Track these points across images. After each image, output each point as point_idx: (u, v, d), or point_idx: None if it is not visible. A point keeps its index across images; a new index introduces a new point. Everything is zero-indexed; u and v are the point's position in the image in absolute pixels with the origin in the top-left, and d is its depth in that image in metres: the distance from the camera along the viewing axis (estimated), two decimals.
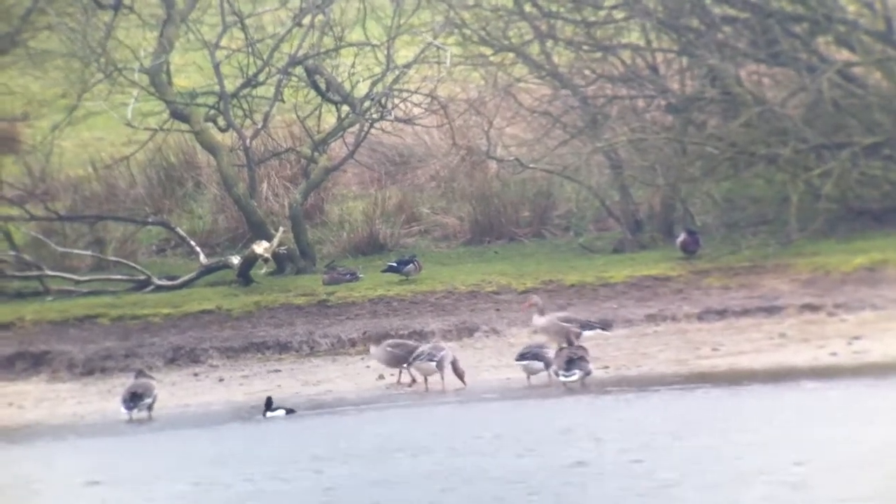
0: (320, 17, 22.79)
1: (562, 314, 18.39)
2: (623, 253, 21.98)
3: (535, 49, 22.45)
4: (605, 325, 18.41)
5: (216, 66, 22.54)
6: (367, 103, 22.86)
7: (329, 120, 23.85)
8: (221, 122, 23.17)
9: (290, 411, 16.69)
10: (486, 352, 18.94)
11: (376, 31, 23.38)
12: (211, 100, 23.31)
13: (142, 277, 21.75)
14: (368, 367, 18.55)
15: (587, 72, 22.51)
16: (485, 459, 13.30)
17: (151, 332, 19.83)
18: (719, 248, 21.08)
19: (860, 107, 21.41)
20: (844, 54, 22.04)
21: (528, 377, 17.78)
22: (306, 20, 22.79)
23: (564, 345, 17.57)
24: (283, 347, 19.38)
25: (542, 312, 18.27)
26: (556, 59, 22.52)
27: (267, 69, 23.03)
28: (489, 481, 12.29)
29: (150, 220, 23.19)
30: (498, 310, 19.57)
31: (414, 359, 17.75)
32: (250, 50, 23.09)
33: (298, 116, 23.77)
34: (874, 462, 12.17)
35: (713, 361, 18.03)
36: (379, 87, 22.89)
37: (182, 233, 22.91)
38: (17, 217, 22.71)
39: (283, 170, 24.23)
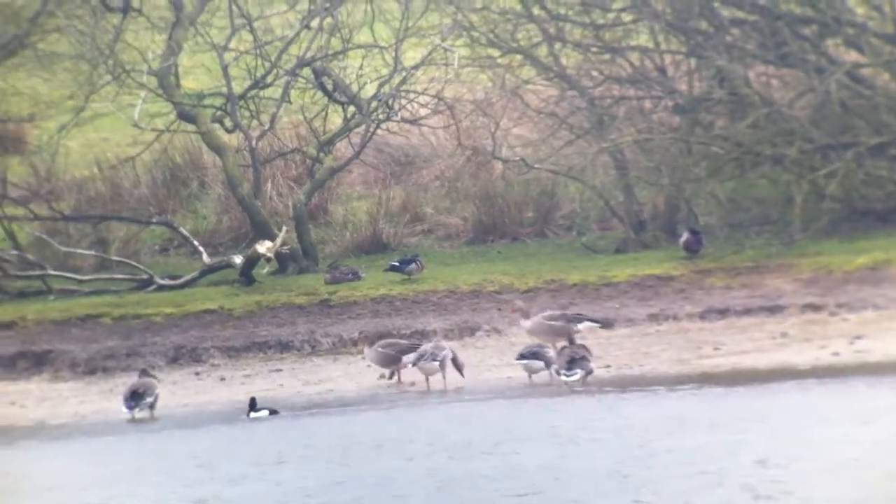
0: (328, 19, 22.82)
1: (547, 313, 18.31)
2: (626, 253, 21.90)
3: (543, 51, 22.41)
4: (596, 319, 18.23)
5: (224, 68, 22.58)
6: (373, 104, 22.86)
7: (335, 121, 23.86)
8: (228, 123, 23.20)
9: (273, 412, 16.65)
10: (487, 351, 18.88)
11: (384, 34, 23.38)
12: (218, 101, 23.35)
13: (144, 277, 21.77)
14: (370, 366, 18.51)
15: (595, 73, 22.47)
16: (466, 460, 13.19)
17: (153, 331, 19.84)
18: (722, 247, 20.98)
19: (868, 108, 21.30)
20: (853, 56, 21.94)
21: (530, 376, 17.70)
22: (314, 22, 22.83)
23: (562, 343, 17.50)
24: (284, 347, 19.36)
25: (526, 315, 18.21)
26: (563, 60, 22.47)
27: (275, 71, 23.07)
28: (469, 481, 12.20)
29: (153, 219, 23.23)
30: (500, 309, 19.51)
31: (417, 359, 17.69)
32: (258, 52, 23.13)
33: (305, 117, 23.79)
34: (873, 462, 12.04)
35: (715, 361, 17.93)
36: (386, 89, 22.89)
37: (185, 232, 22.93)
38: (21, 217, 22.77)
39: (288, 170, 24.24)
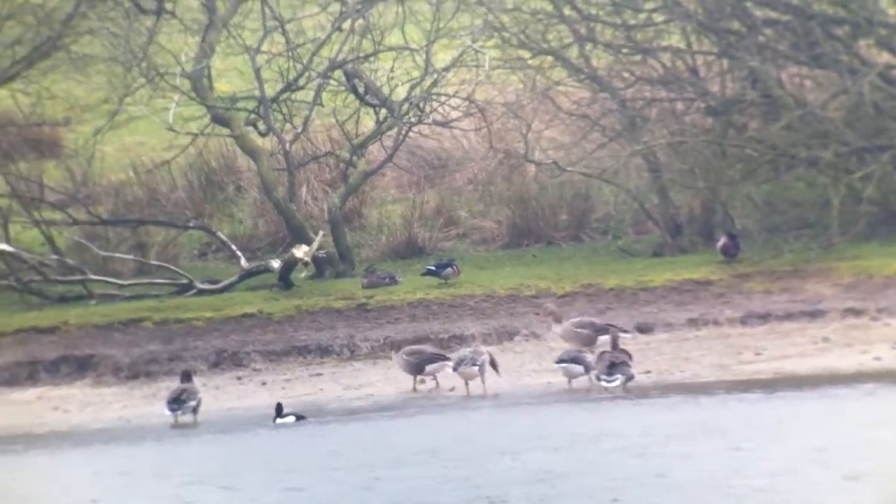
0: (360, 21, 22.87)
1: (577, 319, 18.39)
2: (663, 257, 21.93)
3: (574, 52, 22.41)
4: (625, 330, 18.29)
5: (257, 71, 22.66)
6: (405, 107, 22.93)
7: (367, 124, 23.95)
8: (262, 126, 23.30)
9: (300, 418, 16.77)
10: (526, 356, 18.95)
11: (415, 35, 23.44)
12: (251, 104, 23.46)
13: (184, 281, 21.91)
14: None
15: (626, 74, 22.46)
16: (498, 465, 13.26)
17: (195, 335, 19.96)
18: (760, 251, 21.00)
19: None
20: (885, 57, 21.91)
21: (569, 381, 17.77)
22: (346, 24, 22.88)
23: (584, 348, 17.63)
24: (324, 351, 19.48)
25: (558, 320, 18.32)
26: (594, 61, 22.48)
27: (307, 73, 23.15)
28: (494, 487, 12.27)
29: (191, 224, 23.36)
30: (537, 314, 19.55)
31: (458, 364, 17.78)
32: (290, 54, 23.22)
33: (337, 120, 23.88)
34: None
35: (756, 366, 17.96)
36: (417, 91, 22.95)
37: (223, 237, 23.06)
38: (59, 221, 22.91)
39: (322, 174, 24.35)
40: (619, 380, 17.10)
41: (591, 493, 12.03)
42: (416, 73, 23.13)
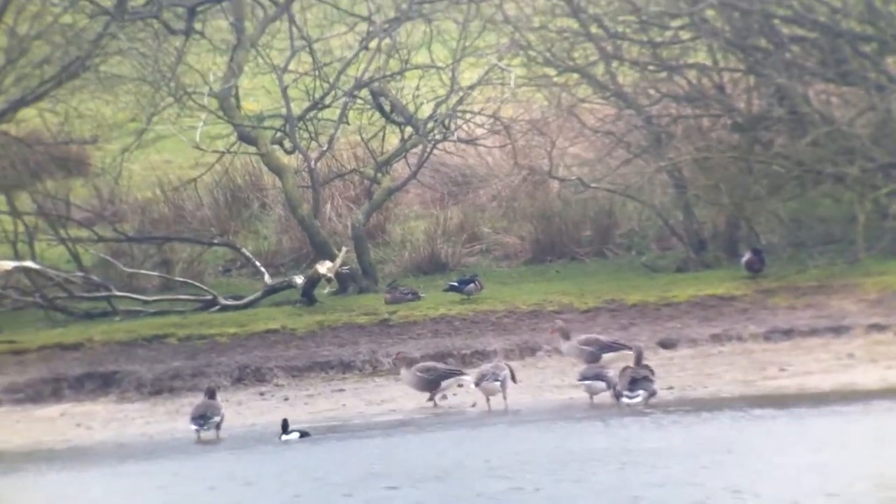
0: (387, 40, 22.95)
1: (583, 336, 18.35)
2: (686, 272, 21.83)
3: (599, 69, 22.39)
4: (630, 346, 18.15)
5: (284, 90, 22.79)
6: (430, 124, 22.96)
7: (392, 141, 24.01)
8: (287, 144, 23.41)
9: (304, 434, 16.75)
10: (548, 371, 18.87)
11: (442, 54, 23.50)
12: (278, 123, 23.57)
13: (208, 297, 22.00)
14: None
15: (652, 91, 22.41)
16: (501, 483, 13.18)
17: (218, 351, 20.02)
18: (785, 267, 20.86)
19: None
20: None
21: (591, 398, 17.68)
22: (373, 44, 22.97)
23: (585, 364, 17.55)
24: (346, 367, 19.47)
25: (567, 337, 18.29)
26: (620, 79, 22.44)
27: (333, 92, 23.25)
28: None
29: (216, 240, 23.47)
30: (570, 330, 19.42)
31: (480, 379, 17.74)
32: (317, 73, 23.34)
33: (363, 138, 23.96)
34: None
35: (780, 382, 17.81)
36: (443, 109, 22.99)
37: (247, 253, 23.16)
38: (85, 239, 23.07)
39: (346, 190, 24.43)
40: (641, 396, 16.98)
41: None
42: (441, 91, 23.18)
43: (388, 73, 23.17)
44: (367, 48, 23.03)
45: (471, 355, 19.31)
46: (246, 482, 14.57)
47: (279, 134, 23.51)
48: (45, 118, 24.09)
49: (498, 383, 17.68)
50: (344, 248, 22.04)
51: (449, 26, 23.58)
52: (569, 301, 20.46)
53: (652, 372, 17.26)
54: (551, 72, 22.72)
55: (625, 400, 17.07)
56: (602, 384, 17.48)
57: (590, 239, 23.27)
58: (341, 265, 21.61)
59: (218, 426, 17.47)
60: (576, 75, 22.55)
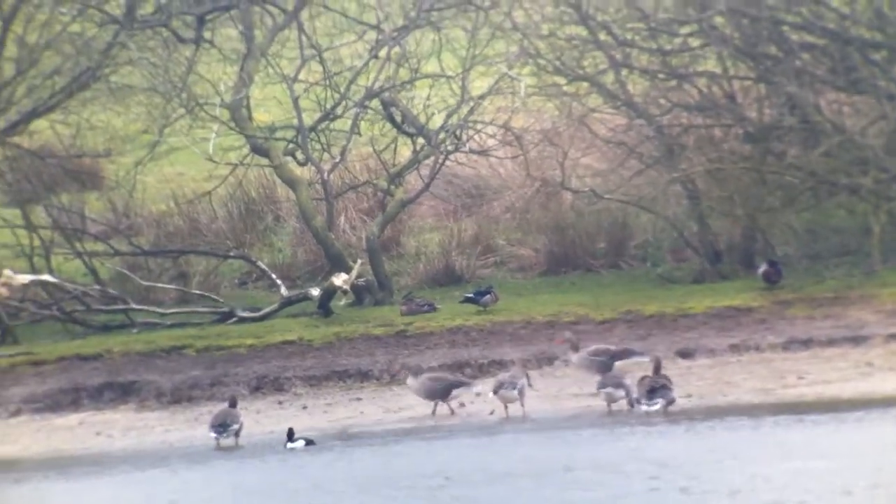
0: (396, 49, 23.00)
1: (592, 348, 18.41)
2: (703, 283, 21.87)
3: (609, 78, 22.43)
4: (642, 352, 18.21)
5: (295, 100, 22.82)
6: (442, 135, 23.02)
7: (404, 152, 24.06)
8: (300, 155, 23.45)
9: (309, 442, 16.82)
10: (565, 381, 18.92)
11: (451, 63, 23.56)
12: (290, 134, 23.61)
13: (225, 310, 22.05)
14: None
15: (662, 101, 22.44)
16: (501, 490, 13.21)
17: (236, 361, 20.08)
18: (802, 278, 20.92)
19: None
20: None
21: (609, 406, 17.74)
22: (383, 53, 23.02)
23: (599, 377, 17.61)
24: (364, 376, 19.54)
25: (575, 348, 18.34)
26: (630, 88, 22.49)
27: (344, 102, 23.29)
28: None
29: (231, 253, 23.53)
30: (581, 339, 19.49)
31: (498, 388, 17.81)
32: (328, 83, 23.37)
33: (375, 149, 24.01)
34: None
35: (799, 390, 17.89)
36: (454, 119, 23.04)
37: (263, 266, 23.22)
38: (101, 252, 23.11)
39: (360, 202, 24.48)
40: (659, 404, 17.05)
41: None
42: (452, 101, 23.22)
43: (398, 82, 23.21)
44: (376, 57, 23.07)
45: (488, 365, 19.38)
46: (261, 490, 14.62)
47: (291, 145, 23.56)
48: (57, 130, 24.12)
49: (515, 391, 17.75)
50: (359, 261, 22.09)
51: (458, 35, 23.63)
52: (585, 312, 20.52)
53: (670, 381, 17.32)
54: (561, 81, 22.75)
55: (643, 408, 17.13)
56: (621, 392, 17.55)
57: (604, 250, 23.31)
58: (357, 277, 21.66)
59: (237, 434, 17.54)
60: (586, 84, 22.58)
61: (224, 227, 24.46)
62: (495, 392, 17.88)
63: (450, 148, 23.29)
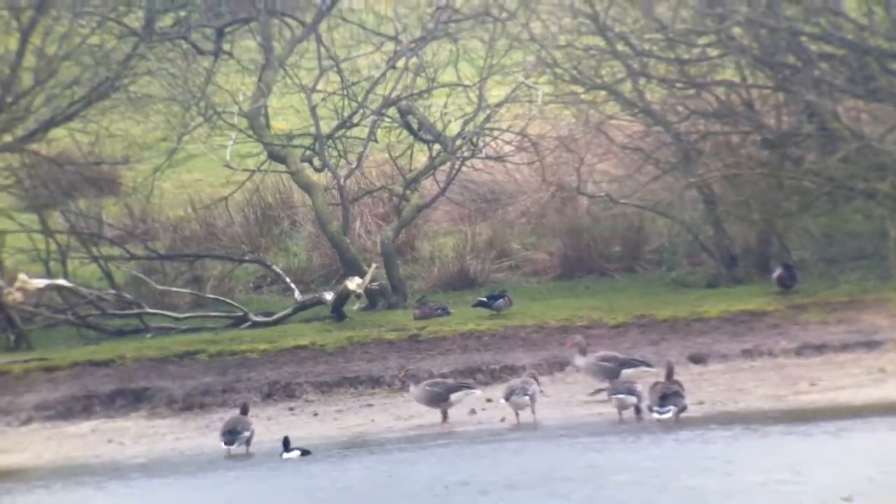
0: (414, 59, 23.05)
1: (601, 353, 18.32)
2: (717, 288, 21.77)
3: (627, 87, 22.39)
4: (649, 363, 18.08)
5: (312, 109, 22.90)
6: (458, 142, 23.02)
7: (420, 158, 24.10)
8: (317, 162, 23.52)
9: (305, 452, 16.74)
10: (577, 387, 18.82)
11: (468, 72, 23.58)
12: (307, 141, 23.70)
13: (239, 314, 22.09)
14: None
15: (680, 108, 22.38)
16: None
17: (249, 367, 20.08)
18: (817, 283, 20.78)
19: None
20: None
21: (620, 413, 17.61)
22: (400, 63, 23.08)
23: (604, 384, 17.53)
24: (375, 382, 19.50)
25: (583, 352, 18.26)
26: (648, 96, 22.44)
27: (361, 111, 23.35)
28: None
29: (246, 257, 23.59)
30: (590, 344, 19.43)
31: (509, 394, 17.73)
32: (345, 92, 23.45)
33: (391, 155, 24.05)
34: None
35: (812, 397, 17.73)
36: (470, 126, 23.05)
37: (278, 270, 23.27)
38: (117, 257, 23.21)
39: (375, 207, 24.52)
40: (671, 411, 16.90)
41: None
42: (469, 109, 23.25)
43: (415, 91, 23.25)
44: (394, 67, 23.13)
45: (500, 370, 19.31)
46: (269, 498, 14.58)
47: (308, 152, 23.63)
48: (76, 138, 24.28)
49: (527, 398, 17.66)
50: (373, 265, 22.10)
51: (475, 45, 23.67)
52: (598, 316, 20.43)
53: (682, 387, 17.18)
54: (578, 89, 22.72)
55: (655, 415, 16.99)
56: (633, 398, 17.42)
57: (619, 255, 23.24)
58: (370, 281, 21.66)
59: (248, 441, 17.50)
60: (603, 92, 22.54)
61: (240, 231, 24.55)
62: (507, 398, 17.80)
63: (466, 154, 23.28)
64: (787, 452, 14.79)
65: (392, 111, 23.64)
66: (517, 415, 17.86)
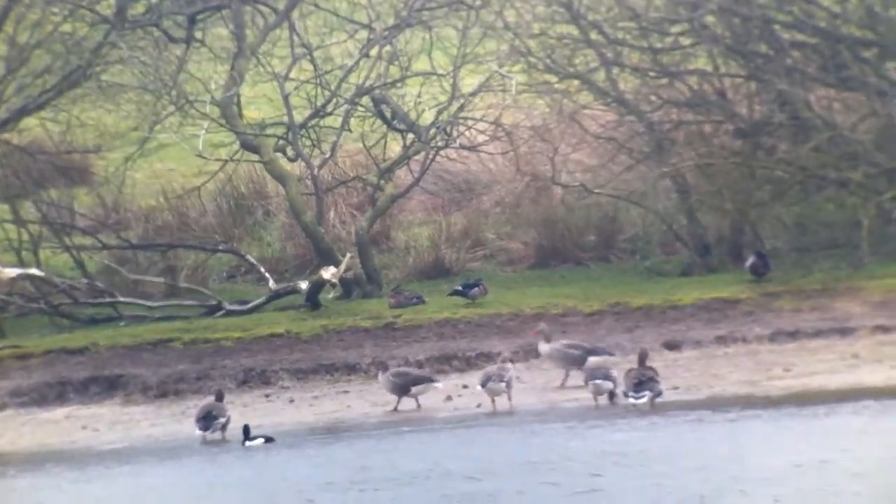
0: (387, 48, 23.01)
1: (566, 341, 18.40)
2: (691, 276, 21.87)
3: (600, 76, 22.45)
4: (612, 353, 18.17)
5: (285, 98, 22.83)
6: (432, 131, 23.02)
7: (395, 148, 24.07)
8: (290, 152, 23.45)
9: (268, 440, 16.73)
10: (552, 373, 18.86)
11: (442, 61, 23.57)
12: (280, 130, 23.62)
13: (213, 303, 22.02)
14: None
15: (653, 97, 22.46)
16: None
17: (223, 355, 20.02)
18: (790, 271, 20.90)
19: None
20: None
21: (595, 398, 17.68)
22: (373, 51, 23.03)
23: (571, 370, 17.61)
24: (351, 369, 19.49)
25: (548, 340, 18.31)
26: (621, 85, 22.50)
27: (335, 100, 23.30)
28: None
29: (220, 247, 23.50)
30: (565, 332, 19.50)
31: (485, 380, 17.77)
32: (319, 81, 23.39)
33: (365, 145, 24.02)
34: None
35: (786, 382, 17.85)
36: (444, 116, 23.04)
37: (252, 259, 23.20)
38: (90, 247, 23.08)
39: (350, 197, 24.48)
40: (646, 396, 16.99)
41: None
42: (443, 98, 23.24)
43: (389, 80, 23.22)
44: (367, 56, 23.09)
45: (475, 357, 19.33)
46: (244, 483, 14.57)
47: (282, 142, 23.55)
48: (47, 127, 24.12)
49: (503, 384, 17.70)
50: (348, 255, 22.07)
51: (449, 33, 23.66)
52: (573, 304, 20.49)
53: (657, 373, 17.27)
54: (552, 78, 22.76)
55: (630, 400, 17.07)
56: (610, 384, 17.49)
57: (593, 244, 23.31)
58: (345, 271, 21.64)
59: (224, 427, 17.46)
60: (577, 82, 22.59)
61: (213, 221, 24.45)
62: (483, 385, 17.83)
63: (440, 143, 23.28)
64: (765, 436, 14.89)
65: (366, 100, 23.60)
66: (493, 401, 17.90)
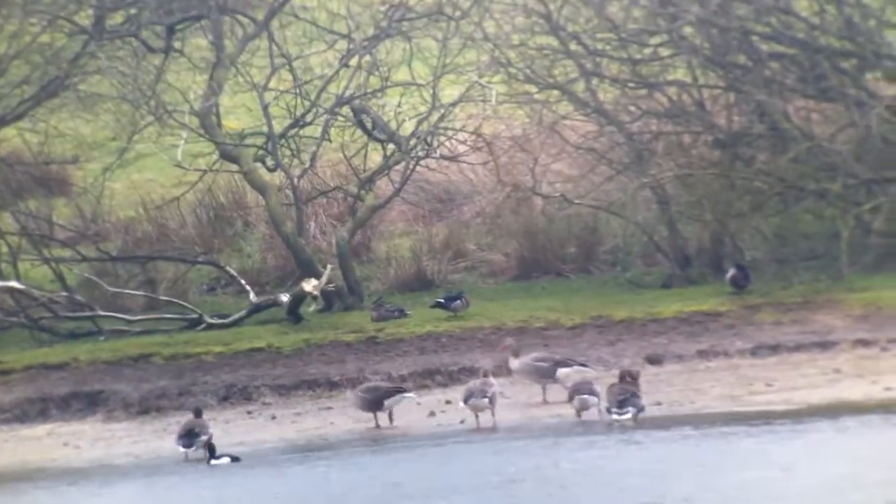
0: (367, 58, 23.00)
1: (536, 354, 18.42)
2: (672, 288, 21.94)
3: (580, 87, 22.51)
4: (586, 364, 18.23)
5: (265, 108, 22.78)
6: (412, 141, 23.02)
7: (375, 158, 24.05)
8: (270, 162, 23.40)
9: (235, 459, 16.67)
10: (535, 388, 18.88)
11: (422, 71, 23.57)
12: (259, 140, 23.57)
13: (193, 316, 21.94)
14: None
15: (632, 108, 22.53)
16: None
17: (204, 370, 19.96)
18: (770, 283, 21.00)
19: None
20: (893, 90, 21.95)
21: (579, 414, 17.68)
22: (353, 61, 23.01)
23: (546, 383, 17.66)
24: (333, 385, 19.45)
25: (516, 354, 18.34)
26: (601, 95, 22.57)
27: (314, 110, 23.26)
28: None
29: (200, 259, 23.43)
30: (546, 345, 19.54)
31: (468, 396, 17.74)
32: (298, 91, 23.35)
33: (345, 155, 23.98)
34: None
35: (768, 397, 17.93)
36: (425, 126, 23.05)
37: (232, 272, 23.13)
38: (68, 258, 22.98)
39: (330, 208, 24.44)
40: (630, 412, 17.02)
41: None
42: (423, 108, 23.24)
43: (368, 90, 23.21)
44: (347, 66, 23.07)
45: (458, 372, 19.34)
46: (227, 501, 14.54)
47: (261, 152, 23.50)
48: (25, 138, 24.00)
49: (486, 400, 17.67)
50: (329, 266, 22.03)
51: (429, 44, 23.66)
52: (555, 317, 20.52)
53: (639, 388, 17.29)
54: (532, 89, 22.80)
55: (614, 416, 17.09)
56: (595, 399, 17.49)
57: (574, 255, 23.36)
58: (326, 283, 21.60)
59: (206, 445, 17.39)
60: (557, 92, 22.65)
61: (193, 232, 24.37)
62: (465, 401, 17.80)
63: (420, 154, 23.28)
64: (747, 452, 14.95)
65: (345, 110, 23.57)
66: (477, 417, 17.89)
